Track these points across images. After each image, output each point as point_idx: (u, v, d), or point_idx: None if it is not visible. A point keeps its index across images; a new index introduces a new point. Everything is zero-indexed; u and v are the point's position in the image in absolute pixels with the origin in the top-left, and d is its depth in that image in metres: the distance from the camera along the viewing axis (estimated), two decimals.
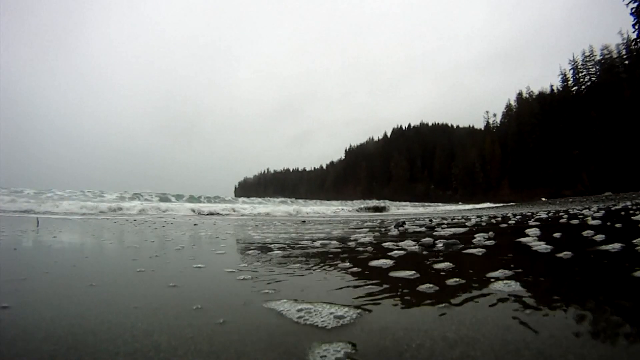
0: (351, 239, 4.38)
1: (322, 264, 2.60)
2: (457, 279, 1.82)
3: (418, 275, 2.00)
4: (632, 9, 45.56)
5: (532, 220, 6.66)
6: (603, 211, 7.78)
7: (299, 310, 1.39)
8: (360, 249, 3.39)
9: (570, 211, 9.54)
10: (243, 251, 3.69)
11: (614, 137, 55.10)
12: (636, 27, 46.96)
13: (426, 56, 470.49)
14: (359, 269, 2.31)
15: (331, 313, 1.35)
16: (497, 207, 30.91)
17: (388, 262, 2.43)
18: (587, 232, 3.49)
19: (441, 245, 3.27)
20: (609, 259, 2.25)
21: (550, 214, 8.62)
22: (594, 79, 68.81)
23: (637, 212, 5.10)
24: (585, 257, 2.37)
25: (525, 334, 1.11)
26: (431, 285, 1.72)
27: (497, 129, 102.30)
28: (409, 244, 3.37)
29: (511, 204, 40.96)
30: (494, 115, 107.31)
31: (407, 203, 53.71)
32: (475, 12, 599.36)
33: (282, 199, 46.88)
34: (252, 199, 40.93)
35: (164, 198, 30.45)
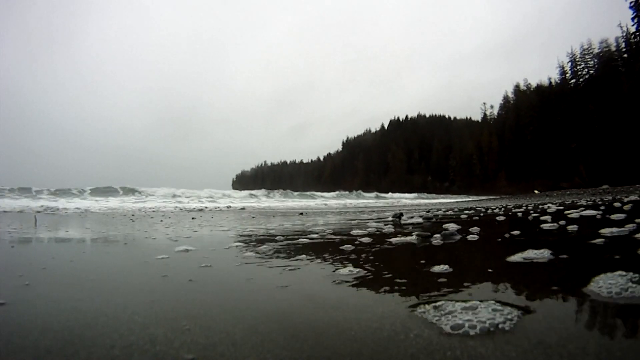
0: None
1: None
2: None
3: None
4: (631, 2, 45.39)
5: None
6: (562, 207, 7.93)
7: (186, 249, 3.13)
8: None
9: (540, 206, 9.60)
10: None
11: (612, 130, 55.15)
12: (635, 20, 46.82)
13: (425, 48, 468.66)
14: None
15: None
16: (470, 199, 31.10)
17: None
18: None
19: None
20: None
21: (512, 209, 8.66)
22: (592, 72, 68.63)
23: (572, 211, 5.23)
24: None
25: None
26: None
27: (494, 121, 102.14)
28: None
29: (498, 196, 41.42)
30: (491, 107, 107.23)
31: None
32: (475, 3, 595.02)
33: (338, 192, 47.14)
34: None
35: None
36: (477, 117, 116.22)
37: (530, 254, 2.04)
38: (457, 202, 29.38)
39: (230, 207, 18.59)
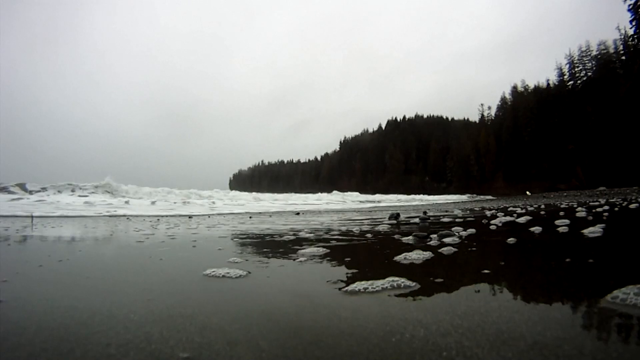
0: None
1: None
2: None
3: None
4: (629, 5, 45.57)
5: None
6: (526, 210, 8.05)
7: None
8: None
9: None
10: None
11: (609, 132, 55.29)
12: (634, 22, 47.04)
13: (425, 48, 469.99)
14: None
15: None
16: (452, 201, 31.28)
17: None
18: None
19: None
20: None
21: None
22: (589, 74, 68.83)
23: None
24: None
25: None
26: None
27: (492, 122, 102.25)
28: None
29: (495, 197, 41.84)
30: (489, 108, 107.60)
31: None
32: (476, 4, 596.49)
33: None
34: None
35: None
36: (475, 118, 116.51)
37: (314, 249, 2.72)
38: (453, 202, 29.64)
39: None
